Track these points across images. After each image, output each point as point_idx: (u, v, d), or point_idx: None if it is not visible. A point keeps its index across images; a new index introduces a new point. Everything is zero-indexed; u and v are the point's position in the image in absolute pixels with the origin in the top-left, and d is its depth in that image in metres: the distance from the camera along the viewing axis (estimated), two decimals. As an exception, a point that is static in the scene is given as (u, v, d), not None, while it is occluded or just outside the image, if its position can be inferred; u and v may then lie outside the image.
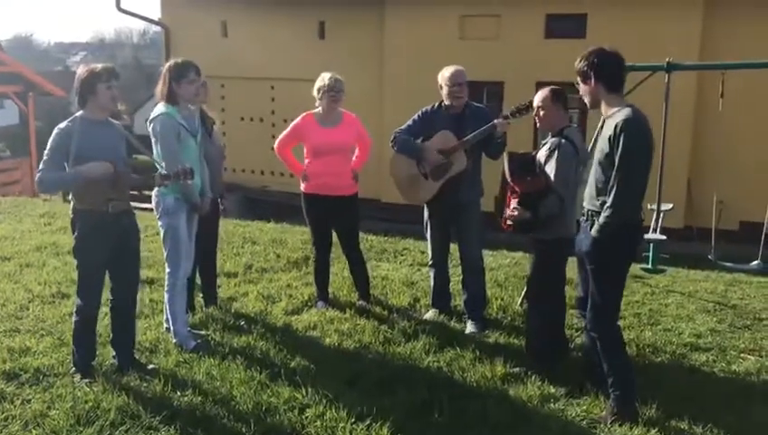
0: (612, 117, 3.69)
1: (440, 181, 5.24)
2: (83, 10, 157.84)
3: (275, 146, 5.72)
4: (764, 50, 7.58)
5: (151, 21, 16.86)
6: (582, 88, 3.84)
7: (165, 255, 4.79)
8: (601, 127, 3.87)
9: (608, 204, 3.63)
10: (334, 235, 5.78)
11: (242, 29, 14.95)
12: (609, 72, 3.73)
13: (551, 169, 4.24)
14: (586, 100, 3.88)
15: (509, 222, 4.34)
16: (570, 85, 4.27)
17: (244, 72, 14.43)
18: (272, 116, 14.97)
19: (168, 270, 4.79)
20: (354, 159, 5.68)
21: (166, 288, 4.82)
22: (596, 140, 3.87)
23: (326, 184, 5.50)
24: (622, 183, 3.58)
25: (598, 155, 3.74)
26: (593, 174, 3.80)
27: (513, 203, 4.28)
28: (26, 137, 19.89)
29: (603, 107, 3.80)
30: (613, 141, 3.59)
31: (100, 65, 4.13)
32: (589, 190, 3.84)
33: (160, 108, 4.64)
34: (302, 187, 5.66)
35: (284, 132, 5.70)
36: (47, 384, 4.15)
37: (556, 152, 4.24)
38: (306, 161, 5.61)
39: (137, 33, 65.03)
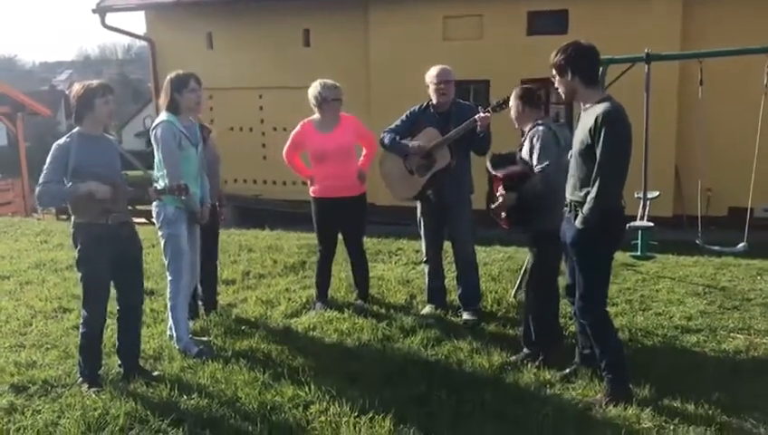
0: (591, 109, 3.75)
1: (425, 177, 5.41)
2: (67, 28, 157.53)
3: (284, 154, 5.83)
4: (744, 39, 7.72)
5: (137, 36, 16.95)
6: (559, 82, 3.87)
7: (166, 264, 4.89)
8: (578, 120, 3.91)
9: (591, 195, 3.69)
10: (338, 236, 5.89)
11: (227, 40, 15.04)
12: (586, 65, 3.78)
13: (533, 153, 4.36)
14: (562, 93, 3.91)
15: (502, 214, 4.44)
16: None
17: (231, 83, 14.50)
18: (261, 125, 15.06)
19: (170, 278, 4.88)
20: (362, 158, 5.79)
21: (169, 296, 4.90)
22: (575, 133, 3.94)
23: (331, 187, 5.62)
24: (605, 174, 3.64)
25: (578, 147, 3.80)
26: (574, 166, 3.88)
27: (499, 191, 4.41)
28: (16, 158, 19.90)
29: (581, 100, 3.85)
30: (594, 133, 3.65)
31: (95, 81, 4.26)
32: (572, 182, 3.91)
33: (162, 116, 4.76)
34: (310, 191, 5.78)
35: (288, 142, 5.82)
36: (56, 395, 4.24)
37: (534, 137, 4.36)
38: (312, 166, 5.74)
39: (121, 49, 65.19)
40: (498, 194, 4.41)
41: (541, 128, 4.39)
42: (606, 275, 4.00)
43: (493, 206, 4.46)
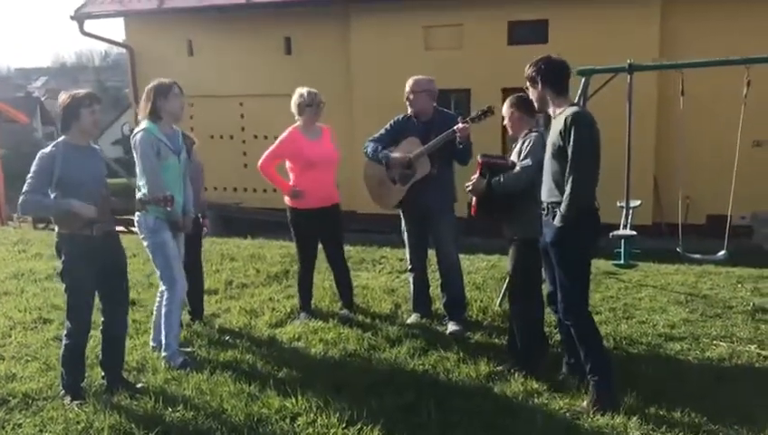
0: (561, 114, 3.96)
1: (406, 186, 5.44)
2: (43, 34, 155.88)
3: (260, 164, 5.71)
4: (721, 48, 7.84)
5: (116, 43, 16.81)
6: (531, 92, 4.16)
7: (158, 273, 4.83)
8: (550, 126, 4.15)
9: (567, 192, 3.85)
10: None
11: (208, 48, 14.99)
12: (555, 77, 4.03)
13: (521, 156, 4.48)
14: (535, 103, 4.20)
15: (473, 200, 4.57)
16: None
17: (212, 91, 14.44)
18: (242, 133, 15.01)
19: (164, 287, 4.81)
20: None
21: (164, 303, 4.82)
22: (547, 138, 4.11)
23: (314, 197, 5.57)
24: (578, 172, 3.82)
25: (551, 150, 3.99)
26: (548, 169, 4.04)
27: (476, 175, 4.56)
28: (-8, 165, 19.60)
29: (551, 109, 4.09)
30: (565, 134, 3.85)
31: (82, 91, 4.22)
32: (547, 184, 4.06)
33: (142, 124, 4.71)
34: (290, 202, 5.69)
35: (270, 150, 5.70)
36: (37, 408, 4.16)
37: (525, 142, 4.50)
38: (292, 176, 5.66)
39: (98, 56, 64.72)
40: (472, 177, 4.57)
41: (533, 135, 4.50)
42: (586, 273, 4.10)
43: (467, 188, 4.61)
